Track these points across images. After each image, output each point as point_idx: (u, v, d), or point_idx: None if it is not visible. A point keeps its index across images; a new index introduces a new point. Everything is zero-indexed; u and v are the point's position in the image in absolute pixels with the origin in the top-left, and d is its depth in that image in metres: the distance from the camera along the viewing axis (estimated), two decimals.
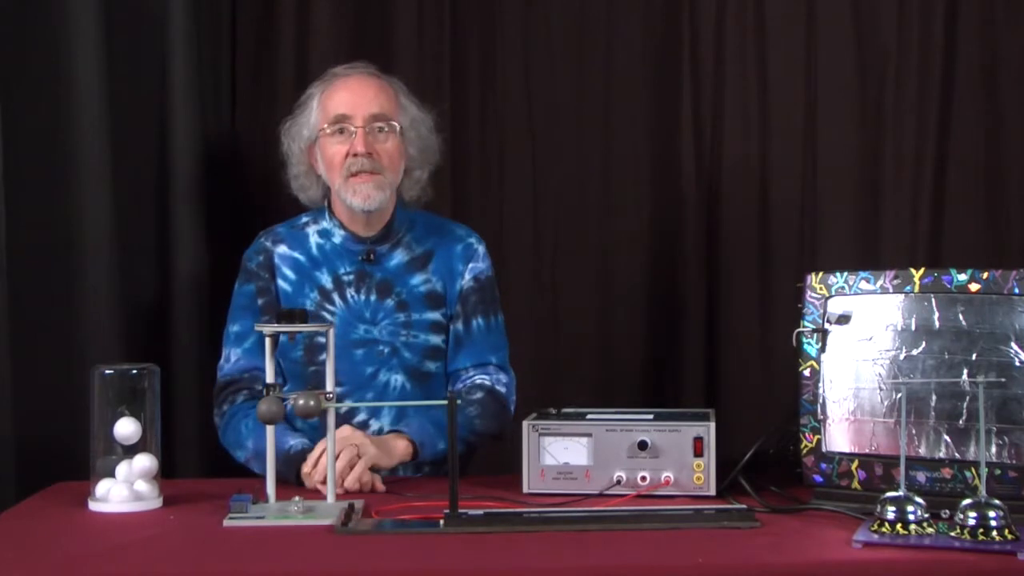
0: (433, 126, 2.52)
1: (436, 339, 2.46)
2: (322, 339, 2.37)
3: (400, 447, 2.28)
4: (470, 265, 2.49)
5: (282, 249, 2.47)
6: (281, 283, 2.45)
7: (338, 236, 2.46)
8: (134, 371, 2.10)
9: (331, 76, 2.47)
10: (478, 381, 2.45)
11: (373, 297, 2.43)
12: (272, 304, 2.43)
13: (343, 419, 2.33)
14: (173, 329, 2.72)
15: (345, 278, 2.44)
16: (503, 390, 2.47)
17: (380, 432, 2.38)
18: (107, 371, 2.09)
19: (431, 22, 3.01)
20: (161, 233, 2.74)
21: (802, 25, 3.00)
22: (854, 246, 2.99)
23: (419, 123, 2.48)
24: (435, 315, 2.46)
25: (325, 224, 2.48)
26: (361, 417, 2.40)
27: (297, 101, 2.51)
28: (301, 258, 2.46)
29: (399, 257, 2.47)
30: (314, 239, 2.48)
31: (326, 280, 2.44)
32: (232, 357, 2.43)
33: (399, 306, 2.44)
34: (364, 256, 2.44)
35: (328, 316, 2.41)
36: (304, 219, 2.52)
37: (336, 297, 2.43)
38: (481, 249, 2.52)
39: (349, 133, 2.39)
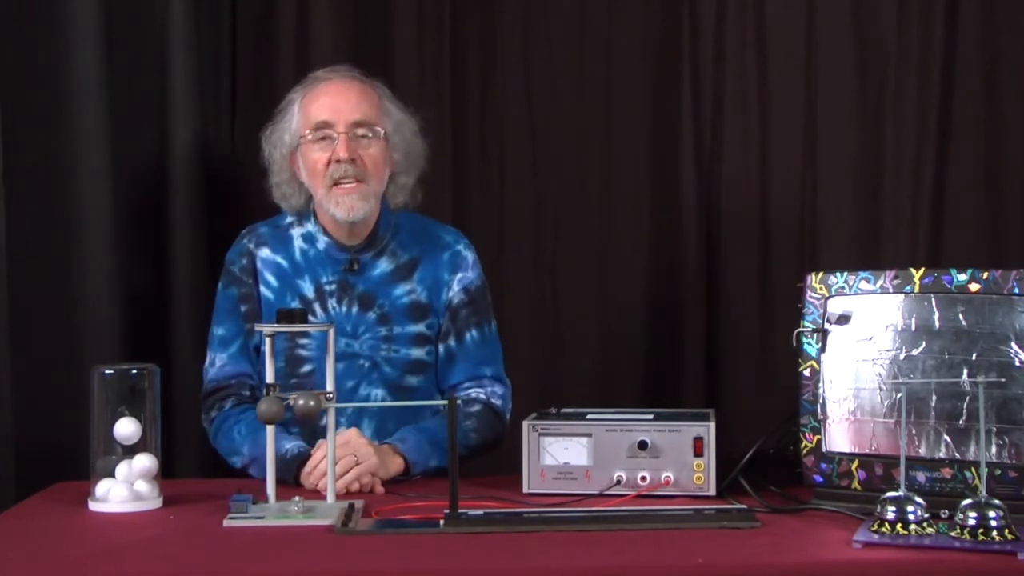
0: (418, 130, 2.46)
1: (418, 352, 2.41)
2: (303, 352, 2.36)
3: (396, 463, 2.25)
4: (458, 276, 2.44)
5: (265, 252, 2.43)
6: (263, 289, 2.41)
7: (322, 242, 2.41)
8: (134, 371, 2.10)
9: (312, 81, 2.42)
10: (474, 394, 2.42)
11: (355, 309, 2.39)
12: (254, 312, 2.40)
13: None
14: (173, 329, 2.72)
15: (327, 287, 2.39)
16: (499, 402, 2.44)
17: None
18: (107, 371, 2.09)
19: (431, 23, 3.00)
20: (161, 233, 2.73)
21: (802, 25, 3.00)
22: (854, 246, 2.98)
23: (403, 127, 2.43)
24: (419, 327, 2.41)
25: (309, 227, 2.43)
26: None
27: (278, 106, 2.47)
28: (284, 263, 2.42)
29: (383, 266, 2.41)
30: (298, 243, 2.43)
31: (308, 289, 2.40)
32: (217, 362, 2.41)
33: (381, 319, 2.39)
34: (347, 266, 2.40)
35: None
36: (288, 219, 2.46)
37: (317, 308, 2.38)
38: (470, 256, 2.46)
39: (331, 139, 2.34)
